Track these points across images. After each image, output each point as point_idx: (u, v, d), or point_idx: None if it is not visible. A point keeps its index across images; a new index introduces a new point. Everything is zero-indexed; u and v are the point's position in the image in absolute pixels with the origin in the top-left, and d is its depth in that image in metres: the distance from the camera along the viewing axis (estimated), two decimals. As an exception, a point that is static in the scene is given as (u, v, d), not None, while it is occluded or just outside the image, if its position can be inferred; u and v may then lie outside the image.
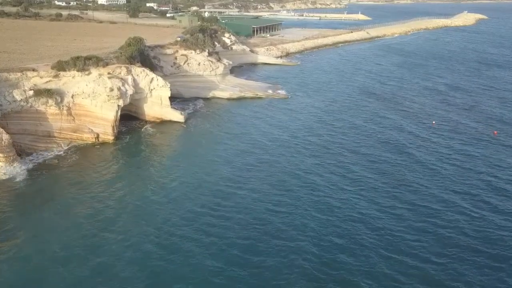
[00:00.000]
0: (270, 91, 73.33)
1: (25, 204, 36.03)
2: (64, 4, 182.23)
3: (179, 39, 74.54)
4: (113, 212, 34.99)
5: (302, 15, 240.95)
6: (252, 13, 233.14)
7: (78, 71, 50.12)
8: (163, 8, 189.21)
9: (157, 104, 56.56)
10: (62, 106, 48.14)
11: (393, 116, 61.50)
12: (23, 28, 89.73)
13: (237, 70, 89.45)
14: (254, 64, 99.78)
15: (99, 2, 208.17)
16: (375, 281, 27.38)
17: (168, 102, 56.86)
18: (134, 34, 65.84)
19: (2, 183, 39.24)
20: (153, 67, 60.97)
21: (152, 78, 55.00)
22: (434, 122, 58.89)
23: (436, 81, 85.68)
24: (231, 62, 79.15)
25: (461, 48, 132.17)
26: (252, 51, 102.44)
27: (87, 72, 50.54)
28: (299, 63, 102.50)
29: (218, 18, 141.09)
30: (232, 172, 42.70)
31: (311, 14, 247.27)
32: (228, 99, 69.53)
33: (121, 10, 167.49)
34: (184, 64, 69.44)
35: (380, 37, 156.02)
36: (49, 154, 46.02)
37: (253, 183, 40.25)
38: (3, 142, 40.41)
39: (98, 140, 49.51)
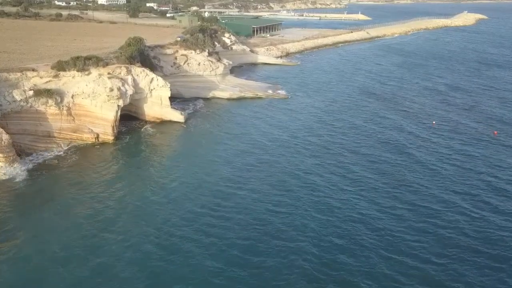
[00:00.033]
0: (270, 91, 73.31)
1: (25, 204, 36.01)
2: (64, 4, 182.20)
3: (179, 39, 74.51)
4: (113, 212, 34.97)
5: (302, 15, 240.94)
6: (252, 13, 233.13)
7: (78, 71, 50.10)
8: (163, 8, 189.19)
9: (157, 104, 56.54)
10: (62, 106, 48.11)
11: (393, 116, 61.48)
12: (23, 28, 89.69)
13: (237, 70, 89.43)
14: (254, 64, 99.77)
15: (99, 2, 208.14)
16: (375, 282, 27.35)
17: (168, 102, 56.84)
18: (134, 34, 65.80)
19: (2, 183, 39.21)
20: (153, 67, 60.95)
21: (152, 78, 54.98)
22: (434, 122, 58.87)
23: (436, 81, 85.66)
24: (231, 62, 79.13)
25: (461, 48, 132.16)
26: (252, 51, 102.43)
27: (87, 72, 50.51)
28: (299, 63, 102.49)
29: (218, 18, 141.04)
30: (232, 172, 42.67)
31: (311, 14, 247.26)
32: (228, 99, 69.51)
33: (121, 10, 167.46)
34: (184, 64, 69.41)
35: (380, 37, 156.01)
36: (49, 154, 45.99)
37: (253, 184, 40.22)
38: (3, 142, 40.36)
39: (98, 140, 49.48)
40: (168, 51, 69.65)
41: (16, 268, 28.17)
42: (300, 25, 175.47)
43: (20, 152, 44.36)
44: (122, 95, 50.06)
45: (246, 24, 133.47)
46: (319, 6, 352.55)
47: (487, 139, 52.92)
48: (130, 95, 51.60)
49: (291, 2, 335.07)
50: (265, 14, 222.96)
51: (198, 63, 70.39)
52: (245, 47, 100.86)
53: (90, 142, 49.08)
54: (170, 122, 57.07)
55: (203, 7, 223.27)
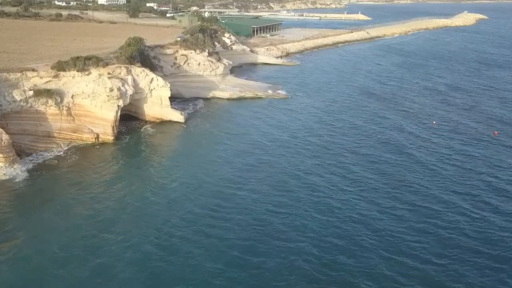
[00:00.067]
0: (270, 91, 73.28)
1: (24, 205, 35.98)
2: (64, 4, 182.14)
3: (179, 39, 74.48)
4: (113, 213, 34.93)
5: (302, 15, 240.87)
6: (252, 13, 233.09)
7: (78, 71, 50.06)
8: (163, 8, 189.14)
9: (157, 104, 56.50)
10: (62, 106, 48.08)
11: (393, 117, 61.45)
12: (23, 28, 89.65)
13: (237, 70, 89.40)
14: (254, 64, 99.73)
15: (99, 2, 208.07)
16: (376, 282, 27.31)
17: (168, 102, 56.80)
18: (134, 34, 65.77)
19: (1, 183, 39.18)
20: (153, 67, 60.91)
21: (152, 78, 54.94)
22: (434, 122, 58.83)
23: (436, 81, 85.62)
24: (231, 62, 79.09)
25: (461, 48, 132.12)
26: (252, 51, 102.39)
27: (87, 72, 50.47)
28: (299, 63, 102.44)
29: (218, 18, 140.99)
30: (232, 172, 42.63)
31: (311, 14, 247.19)
32: (228, 99, 69.47)
33: (121, 10, 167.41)
34: (184, 64, 69.38)
35: (380, 37, 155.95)
36: (49, 154, 45.96)
37: (253, 184, 40.18)
38: (3, 143, 40.31)
39: (98, 140, 49.45)
40: (168, 51, 69.61)
41: (16, 269, 28.14)
42: (300, 25, 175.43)
43: (20, 152, 44.32)
44: (122, 95, 50.03)
45: (246, 24, 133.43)
46: (319, 6, 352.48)
47: (488, 139, 52.89)
48: (130, 95, 51.57)
49: (291, 2, 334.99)
50: (265, 14, 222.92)
51: (198, 63, 70.36)
52: (245, 47, 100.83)
53: (90, 142, 49.05)
54: (170, 122, 57.03)
55: (203, 7, 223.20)
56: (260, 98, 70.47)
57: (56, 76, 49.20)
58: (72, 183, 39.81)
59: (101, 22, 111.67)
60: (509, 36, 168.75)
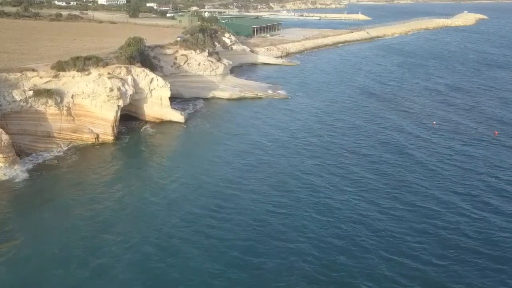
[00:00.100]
0: (270, 91, 73.23)
1: (24, 205, 35.92)
2: (64, 4, 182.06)
3: (179, 39, 74.44)
4: (113, 213, 34.88)
5: (302, 15, 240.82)
6: (252, 13, 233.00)
7: (78, 71, 50.03)
8: (163, 8, 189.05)
9: (157, 104, 56.45)
10: (62, 106, 48.03)
11: (393, 117, 61.40)
12: (23, 28, 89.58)
13: (237, 70, 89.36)
14: (254, 64, 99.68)
15: (99, 2, 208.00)
16: (376, 283, 27.27)
17: (168, 102, 56.75)
18: (134, 34, 65.73)
19: (1, 183, 39.13)
20: (153, 67, 60.87)
21: (152, 78, 54.90)
22: (434, 122, 58.79)
23: (436, 81, 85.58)
24: (231, 62, 79.06)
25: (461, 48, 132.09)
26: (252, 51, 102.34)
27: (87, 72, 50.43)
28: (299, 63, 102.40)
29: (218, 18, 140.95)
30: (232, 173, 42.58)
31: (311, 14, 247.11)
32: (228, 99, 69.43)
33: (121, 10, 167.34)
34: (184, 64, 69.34)
35: (380, 37, 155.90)
36: (48, 154, 45.90)
37: (253, 184, 40.14)
38: (2, 143, 40.26)
39: (98, 141, 49.40)
40: (168, 51, 69.57)
41: (15, 269, 28.08)
42: (300, 25, 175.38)
43: (19, 152, 44.27)
44: (122, 95, 49.99)
45: (246, 24, 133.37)
46: (319, 6, 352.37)
47: (488, 139, 52.85)
48: (130, 95, 51.52)
49: (291, 2, 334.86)
50: (265, 14, 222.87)
51: (198, 63, 70.32)
52: (245, 47, 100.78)
53: (90, 143, 49.01)
54: (170, 122, 56.98)
55: (203, 7, 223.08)
56: (260, 98, 70.43)
57: (56, 76, 49.16)
58: (72, 184, 39.77)
59: (101, 22, 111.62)
60: (509, 36, 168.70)
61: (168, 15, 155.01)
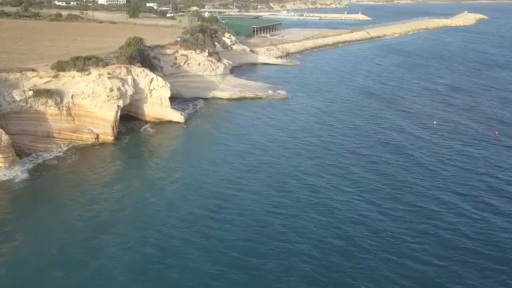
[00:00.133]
0: (270, 91, 73.19)
1: (24, 205, 35.88)
2: (64, 4, 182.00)
3: (179, 39, 74.39)
4: (112, 213, 34.83)
5: (302, 15, 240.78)
6: (252, 13, 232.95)
7: (77, 71, 49.98)
8: (163, 8, 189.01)
9: (157, 104, 56.41)
10: (62, 106, 47.99)
11: (393, 117, 61.36)
12: (23, 28, 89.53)
13: (237, 70, 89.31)
14: (254, 64, 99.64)
15: (99, 2, 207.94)
16: (376, 284, 27.22)
17: (168, 102, 56.71)
18: (134, 34, 65.68)
19: (1, 183, 39.08)
20: (153, 67, 60.83)
21: (152, 78, 54.86)
22: (434, 122, 58.74)
23: (436, 81, 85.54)
24: (231, 62, 79.01)
25: (461, 48, 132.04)
26: (252, 51, 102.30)
27: (87, 72, 50.39)
28: (299, 63, 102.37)
29: (218, 18, 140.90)
30: (232, 173, 42.54)
31: (311, 14, 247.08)
32: (228, 99, 69.39)
33: (121, 10, 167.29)
34: (184, 64, 69.29)
35: (380, 37, 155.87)
36: (48, 154, 45.86)
37: (253, 185, 40.09)
38: (2, 143, 40.21)
39: (98, 141, 49.36)
40: (168, 51, 69.53)
41: (14, 270, 28.02)
42: (300, 25, 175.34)
43: (19, 152, 44.21)
44: (122, 95, 49.94)
45: (246, 24, 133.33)
46: (319, 6, 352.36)
47: (488, 139, 52.80)
48: (130, 95, 51.48)
49: (291, 2, 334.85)
50: (265, 14, 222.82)
51: (198, 63, 70.28)
52: (245, 47, 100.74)
53: (90, 143, 48.97)
54: (170, 122, 56.94)
55: (203, 7, 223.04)
56: (260, 98, 70.39)
57: (56, 76, 49.11)
58: (71, 184, 39.73)
59: (101, 22, 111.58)
60: (509, 36, 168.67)
61: (168, 15, 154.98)
